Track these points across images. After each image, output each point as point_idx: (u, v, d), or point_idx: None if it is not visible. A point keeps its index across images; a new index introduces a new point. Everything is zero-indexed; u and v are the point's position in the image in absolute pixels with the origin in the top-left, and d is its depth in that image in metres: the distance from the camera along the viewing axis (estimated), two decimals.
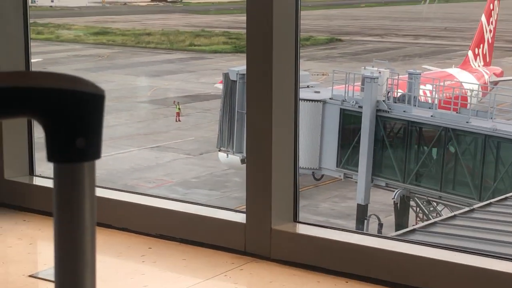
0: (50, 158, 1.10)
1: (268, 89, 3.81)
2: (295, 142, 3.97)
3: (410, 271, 3.57)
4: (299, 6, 3.83)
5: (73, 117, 1.09)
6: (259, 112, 3.88)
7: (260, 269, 3.83)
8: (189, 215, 4.19)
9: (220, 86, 33.43)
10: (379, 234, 13.89)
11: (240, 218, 4.03)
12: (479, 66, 34.62)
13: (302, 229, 3.96)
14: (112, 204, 4.43)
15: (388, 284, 3.59)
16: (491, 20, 35.76)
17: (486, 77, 32.96)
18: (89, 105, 1.11)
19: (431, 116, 23.11)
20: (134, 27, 55.78)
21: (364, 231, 20.96)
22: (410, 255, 3.62)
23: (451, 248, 3.73)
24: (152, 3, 71.44)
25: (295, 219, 4.00)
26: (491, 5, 35.72)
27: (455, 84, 28.47)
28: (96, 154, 1.13)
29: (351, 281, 3.66)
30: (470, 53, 35.74)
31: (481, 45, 35.87)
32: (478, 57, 35.46)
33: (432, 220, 14.99)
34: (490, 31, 35.99)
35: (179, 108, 32.72)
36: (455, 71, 32.56)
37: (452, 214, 14.48)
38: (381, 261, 3.67)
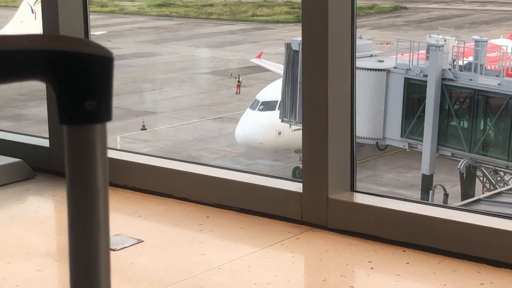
0: (61, 120, 1.12)
1: (324, 57, 3.77)
2: (351, 110, 3.93)
3: (470, 241, 3.52)
4: None
5: (82, 80, 1.10)
6: (315, 80, 3.85)
7: (316, 238, 3.82)
8: (246, 184, 4.20)
9: (256, 61, 33.87)
10: (438, 204, 13.72)
11: (297, 187, 4.02)
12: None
13: (359, 198, 3.94)
14: (171, 173, 4.48)
15: (447, 254, 3.55)
16: None
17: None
18: (98, 68, 1.12)
19: (498, 84, 22.64)
20: None
21: (428, 201, 20.75)
22: (470, 224, 3.57)
23: (510, 217, 3.66)
24: None
25: (352, 188, 3.97)
26: None
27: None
28: (107, 116, 1.14)
29: (408, 250, 3.63)
30: None
31: None
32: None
33: (498, 190, 14.74)
34: None
35: (239, 81, 32.86)
36: (503, 42, 30.61)
37: None
38: (440, 230, 3.63)
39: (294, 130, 25.54)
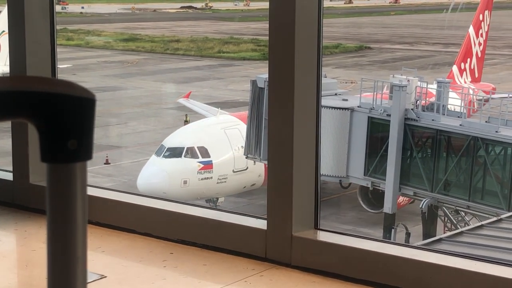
0: (43, 158, 1.15)
1: (290, 95, 3.82)
2: (316, 149, 3.97)
3: (431, 280, 3.56)
4: (321, 14, 3.84)
5: (65, 120, 1.13)
6: (281, 118, 3.89)
7: (280, 276, 3.83)
8: (210, 220, 4.21)
9: (183, 101, 33.25)
10: (400, 243, 13.81)
11: (261, 224, 4.04)
12: (465, 82, 31.42)
13: (323, 236, 3.96)
14: (135, 208, 4.47)
15: None
16: (480, 32, 33.13)
17: (472, 94, 29.19)
18: (80, 109, 1.15)
19: (460, 125, 22.95)
20: (163, 33, 56.11)
21: (389, 240, 20.85)
22: (431, 263, 3.61)
23: (472, 258, 3.71)
24: (181, 10, 71.79)
25: (316, 226, 4.00)
26: (481, 15, 33.20)
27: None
28: (88, 155, 1.17)
29: None
30: (455, 68, 32.83)
31: (469, 59, 32.95)
32: (464, 72, 32.64)
33: (459, 230, 14.89)
34: (480, 44, 33.27)
35: (186, 120, 32.79)
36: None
37: (479, 224, 14.36)
38: (402, 269, 3.66)
39: (201, 179, 24.70)
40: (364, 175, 24.66)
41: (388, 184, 23.98)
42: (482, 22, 33.21)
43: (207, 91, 39.61)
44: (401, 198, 25.51)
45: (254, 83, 25.01)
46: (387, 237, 23.03)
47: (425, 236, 22.09)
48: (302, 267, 3.86)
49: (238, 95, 36.09)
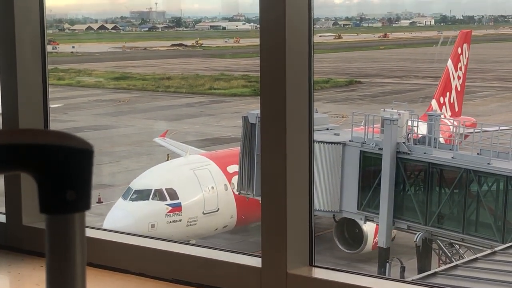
0: (42, 209, 1.15)
1: (282, 132, 3.81)
2: (310, 184, 3.96)
3: None
4: (311, 49, 3.86)
5: (63, 171, 1.14)
6: (273, 155, 3.88)
7: None
8: (204, 259, 4.18)
9: (159, 140, 32.52)
10: (396, 278, 13.76)
11: (256, 262, 4.01)
12: (445, 116, 30.85)
13: (318, 273, 3.93)
14: (128, 248, 4.43)
15: None
16: (459, 65, 33.06)
17: (452, 128, 28.56)
18: (78, 160, 1.16)
19: (452, 157, 23.00)
20: (154, 71, 56.37)
21: (385, 275, 20.77)
22: None
23: None
24: (172, 48, 72.19)
25: (311, 263, 3.97)
26: (459, 49, 33.06)
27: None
28: (86, 206, 1.18)
29: None
30: (434, 102, 32.70)
31: (448, 93, 32.80)
32: (444, 106, 32.47)
33: (454, 263, 14.85)
34: (459, 77, 33.21)
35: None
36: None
37: (474, 256, 14.33)
38: None
39: (170, 222, 24.05)
40: (358, 209, 24.64)
41: (382, 218, 23.95)
42: (461, 56, 33.18)
43: (199, 127, 39.68)
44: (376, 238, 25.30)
45: (245, 119, 25.06)
46: (381, 272, 22.93)
47: (420, 270, 22.01)
48: None
49: (230, 131, 36.18)
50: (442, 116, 29.14)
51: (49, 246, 1.12)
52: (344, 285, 3.78)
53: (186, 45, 74.16)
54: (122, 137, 37.16)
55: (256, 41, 3.94)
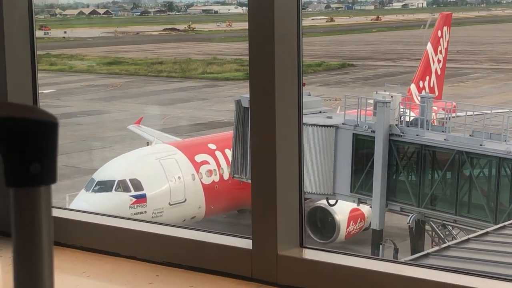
0: (7, 183, 1.14)
1: (271, 116, 3.82)
2: (300, 167, 3.97)
3: None
4: (300, 31, 3.85)
5: (27, 144, 1.13)
6: (263, 138, 3.88)
7: None
8: (195, 242, 4.19)
9: (133, 128, 31.52)
10: (386, 258, 13.80)
11: (246, 244, 4.02)
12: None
13: (308, 254, 3.94)
14: (119, 232, 4.44)
15: None
16: (439, 48, 32.62)
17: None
18: (42, 132, 1.15)
19: (444, 139, 23.04)
20: (147, 56, 56.23)
21: (377, 256, 20.83)
22: (418, 278, 3.60)
23: (459, 272, 3.71)
24: (164, 32, 71.96)
25: (301, 244, 3.98)
26: (439, 31, 32.61)
27: None
28: (52, 179, 1.17)
29: None
30: (413, 86, 32.18)
31: (428, 77, 32.34)
32: (424, 90, 31.75)
33: (446, 244, 14.91)
34: (439, 61, 32.72)
35: None
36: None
37: (466, 237, 14.39)
38: (389, 285, 3.65)
39: (134, 214, 23.16)
40: (351, 192, 24.68)
41: (375, 200, 24.01)
42: (441, 39, 32.82)
43: (192, 112, 39.64)
44: (351, 227, 25.22)
45: (238, 103, 25.02)
46: (375, 253, 23.00)
47: (413, 251, 22.10)
48: (289, 286, 3.84)
49: (223, 116, 36.15)
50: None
51: (14, 220, 1.12)
52: (335, 266, 3.79)
53: (178, 30, 73.97)
54: (115, 122, 37.10)
55: None
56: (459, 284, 3.45)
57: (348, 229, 25.28)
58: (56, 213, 4.64)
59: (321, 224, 25.73)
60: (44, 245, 1.12)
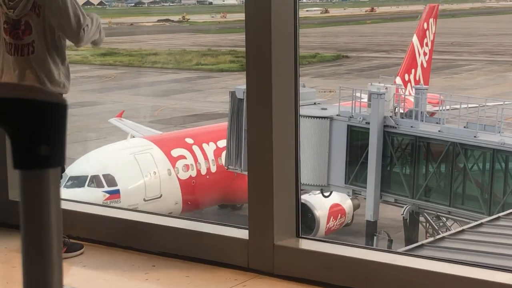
0: (16, 165, 1.15)
1: (268, 107, 3.83)
2: (296, 158, 3.98)
3: (414, 285, 3.57)
4: (297, 23, 3.86)
5: (36, 126, 1.13)
6: (260, 129, 3.90)
7: (263, 285, 3.83)
8: (191, 232, 4.20)
9: (114, 121, 31.24)
10: (382, 248, 13.84)
11: (243, 234, 4.04)
12: (410, 94, 28.64)
13: (304, 244, 3.97)
14: (115, 222, 4.45)
15: None
16: (425, 41, 32.16)
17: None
18: (51, 114, 1.15)
19: (439, 131, 23.05)
20: (141, 47, 56.11)
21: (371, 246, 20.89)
22: (413, 268, 3.63)
23: (453, 262, 3.73)
24: (159, 23, 71.78)
25: (298, 235, 4.00)
26: (425, 24, 32.12)
27: None
28: (60, 161, 1.17)
29: None
30: (398, 79, 31.20)
31: (413, 70, 31.78)
32: (409, 84, 31.12)
33: (441, 235, 14.94)
34: (425, 53, 32.20)
35: None
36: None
37: (461, 228, 14.42)
38: (384, 275, 3.67)
39: None
40: (345, 183, 24.68)
41: (369, 192, 24.03)
42: (427, 31, 32.51)
43: (186, 103, 39.59)
44: (331, 223, 25.11)
45: (233, 94, 24.96)
46: (369, 244, 23.05)
47: (408, 242, 22.14)
48: (285, 276, 3.86)
49: (217, 107, 36.12)
50: (407, 93, 28.44)
51: (23, 203, 1.13)
52: (331, 256, 3.81)
53: (172, 21, 73.79)
54: (109, 113, 36.99)
55: (244, 16, 3.93)
56: (454, 274, 3.48)
57: (328, 225, 25.17)
58: None
59: (301, 219, 25.64)
60: (53, 226, 1.13)
